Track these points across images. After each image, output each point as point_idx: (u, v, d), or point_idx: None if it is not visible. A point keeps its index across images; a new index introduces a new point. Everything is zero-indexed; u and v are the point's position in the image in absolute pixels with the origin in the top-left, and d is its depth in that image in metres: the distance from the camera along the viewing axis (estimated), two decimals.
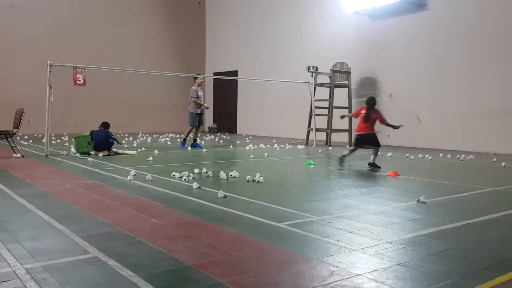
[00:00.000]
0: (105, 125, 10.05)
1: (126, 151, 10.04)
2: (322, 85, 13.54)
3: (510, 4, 10.99)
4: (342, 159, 8.07)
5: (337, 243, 3.42)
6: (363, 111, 8.06)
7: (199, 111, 11.76)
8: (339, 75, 13.48)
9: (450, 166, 8.81)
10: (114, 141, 9.90)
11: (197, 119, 11.80)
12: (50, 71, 9.27)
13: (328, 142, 13.22)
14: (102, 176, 6.73)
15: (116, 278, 2.67)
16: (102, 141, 9.65)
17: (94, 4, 18.07)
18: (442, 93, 12.25)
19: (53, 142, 12.25)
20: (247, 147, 11.82)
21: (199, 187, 5.69)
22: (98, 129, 9.99)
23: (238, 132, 19.44)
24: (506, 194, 5.87)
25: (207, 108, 12.38)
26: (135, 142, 13.02)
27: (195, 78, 12.24)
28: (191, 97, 11.66)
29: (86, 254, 3.09)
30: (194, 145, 11.85)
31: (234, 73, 19.05)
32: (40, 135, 14.32)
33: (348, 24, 14.61)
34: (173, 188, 5.74)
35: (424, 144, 12.55)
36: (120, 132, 16.02)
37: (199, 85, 11.87)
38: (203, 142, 13.46)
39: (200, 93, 11.85)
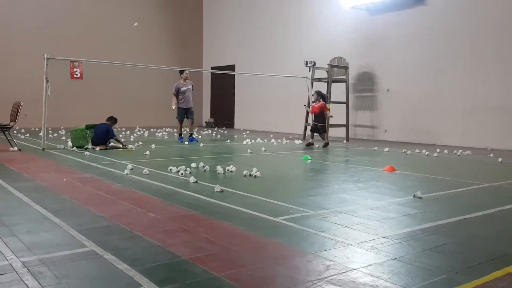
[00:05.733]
0: (110, 119, 9.95)
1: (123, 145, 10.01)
2: (319, 80, 13.53)
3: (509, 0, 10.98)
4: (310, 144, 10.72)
5: (333, 238, 3.43)
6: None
7: (184, 105, 11.75)
8: (337, 70, 13.47)
9: (447, 162, 8.83)
10: (114, 139, 9.78)
11: (183, 113, 11.80)
12: (47, 65, 9.22)
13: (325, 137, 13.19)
14: (99, 170, 6.72)
15: (113, 272, 2.68)
16: (101, 135, 9.59)
17: None
18: (440, 88, 12.25)
19: (50, 136, 12.21)
20: (244, 142, 11.82)
21: (196, 182, 5.69)
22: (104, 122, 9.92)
23: (235, 127, 19.42)
24: (503, 189, 5.90)
25: (173, 108, 11.75)
26: (132, 136, 13.00)
27: (180, 72, 12.11)
28: (173, 93, 11.72)
29: (82, 247, 3.09)
30: (190, 139, 11.85)
31: (232, 67, 19.00)
32: (37, 129, 14.29)
33: (346, 19, 14.58)
34: (170, 182, 5.74)
35: (421, 139, 12.57)
36: (117, 126, 15.98)
37: (184, 79, 11.79)
38: (200, 137, 13.45)
39: (185, 88, 11.73)
